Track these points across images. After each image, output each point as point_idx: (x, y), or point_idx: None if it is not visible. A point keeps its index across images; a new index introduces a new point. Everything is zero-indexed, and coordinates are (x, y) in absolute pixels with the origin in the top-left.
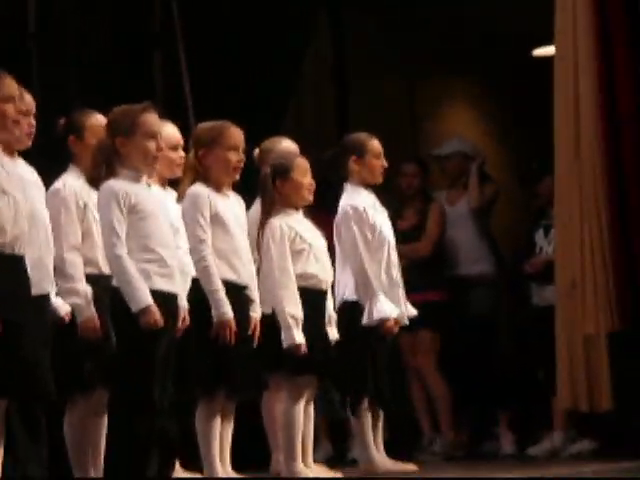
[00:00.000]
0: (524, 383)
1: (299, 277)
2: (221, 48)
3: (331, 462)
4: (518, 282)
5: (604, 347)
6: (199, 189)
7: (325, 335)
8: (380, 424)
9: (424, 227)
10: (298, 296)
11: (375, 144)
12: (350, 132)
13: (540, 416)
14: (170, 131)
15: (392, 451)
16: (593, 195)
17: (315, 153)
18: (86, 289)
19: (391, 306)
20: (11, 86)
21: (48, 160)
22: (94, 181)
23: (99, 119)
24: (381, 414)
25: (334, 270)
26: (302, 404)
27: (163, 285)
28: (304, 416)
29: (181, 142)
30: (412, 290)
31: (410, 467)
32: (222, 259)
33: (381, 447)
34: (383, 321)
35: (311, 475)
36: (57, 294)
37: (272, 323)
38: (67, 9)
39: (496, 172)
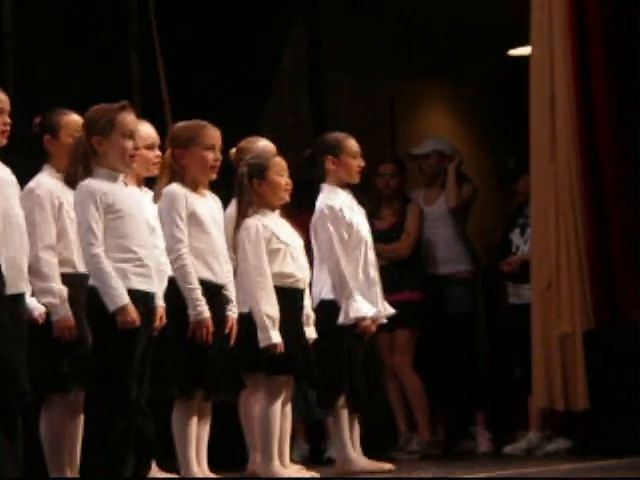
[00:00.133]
0: (500, 382)
1: (276, 276)
2: (198, 48)
3: (308, 462)
4: (494, 281)
5: (580, 346)
6: (175, 188)
7: (302, 334)
8: (357, 423)
9: (402, 227)
10: (274, 296)
11: (351, 144)
12: (327, 132)
13: (516, 415)
14: (146, 130)
15: (368, 450)
16: (569, 195)
17: (292, 153)
18: (61, 288)
19: (367, 305)
20: None
21: (24, 159)
22: (71, 180)
23: (75, 118)
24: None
25: (312, 270)
26: (279, 404)
27: (140, 284)
28: (281, 416)
29: (157, 141)
30: (390, 289)
31: (386, 466)
32: (199, 258)
33: (358, 446)
34: (359, 320)
35: (287, 475)
36: (32, 293)
37: (249, 323)
38: (43, 8)
39: (473, 172)
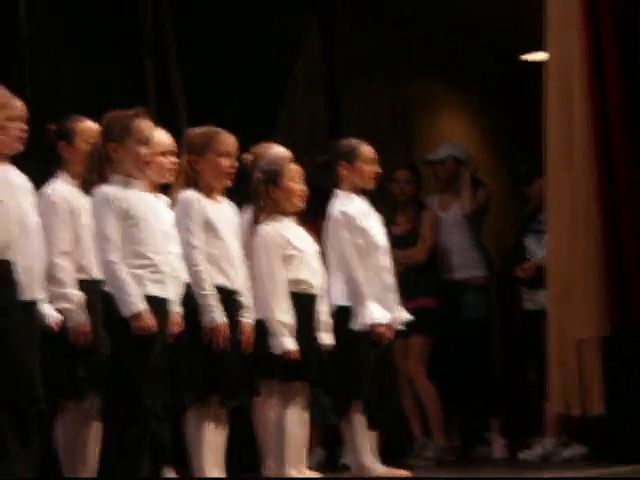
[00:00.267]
0: (515, 388)
1: (290, 283)
2: (213, 54)
3: (323, 468)
4: (509, 286)
5: (596, 351)
6: (190, 195)
7: (316, 341)
8: (372, 429)
9: (418, 233)
10: (288, 302)
11: (366, 149)
12: (342, 138)
13: (531, 421)
14: (161, 137)
15: (384, 456)
16: (584, 200)
17: (307, 159)
18: (77, 294)
19: (381, 311)
20: None
21: (39, 165)
22: (87, 186)
23: (89, 125)
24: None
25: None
26: (293, 410)
27: (155, 290)
28: (299, 422)
29: (172, 148)
30: (406, 295)
31: (402, 472)
32: (214, 264)
33: (373, 452)
34: (373, 327)
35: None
36: (48, 299)
37: (264, 329)
38: (58, 15)
39: (487, 177)
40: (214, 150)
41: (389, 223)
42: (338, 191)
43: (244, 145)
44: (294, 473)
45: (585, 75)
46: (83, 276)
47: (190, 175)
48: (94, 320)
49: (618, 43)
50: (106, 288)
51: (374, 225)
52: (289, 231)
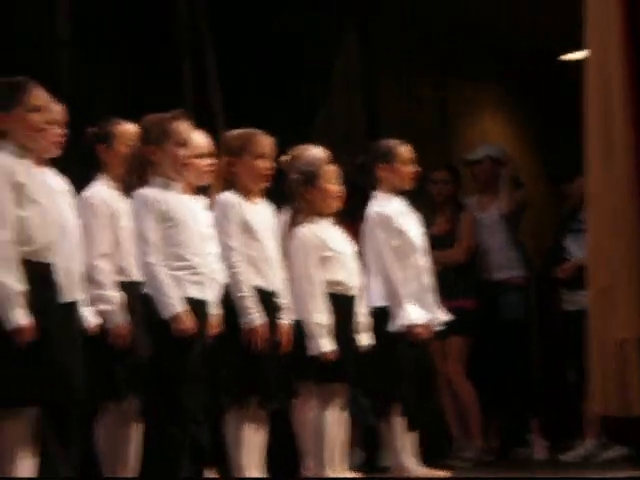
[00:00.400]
0: (555, 389)
1: (327, 284)
2: (250, 56)
3: (363, 469)
4: (547, 286)
5: (636, 351)
6: (229, 197)
7: (354, 341)
8: (412, 430)
9: (456, 234)
10: (325, 304)
11: (404, 150)
12: (380, 139)
13: (572, 422)
14: (198, 139)
15: (423, 457)
16: (625, 199)
17: (345, 160)
18: (116, 296)
19: (418, 312)
20: (38, 96)
21: (79, 169)
22: (126, 189)
23: (128, 128)
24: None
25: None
26: (332, 411)
27: (195, 292)
28: (338, 423)
29: (210, 150)
30: (445, 296)
31: (441, 473)
32: (251, 266)
33: (413, 453)
34: (410, 328)
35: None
36: (88, 301)
37: (301, 330)
38: (98, 19)
39: (525, 177)
40: (251, 152)
41: (427, 223)
42: (376, 192)
43: (281, 147)
44: (333, 474)
45: (625, 73)
46: (122, 278)
47: (227, 177)
48: (133, 322)
49: None
50: (146, 290)
51: (412, 226)
52: (326, 232)
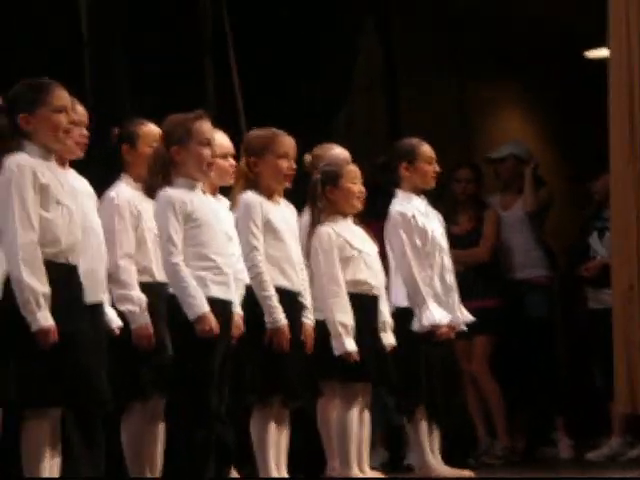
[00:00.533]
0: (581, 387)
1: (350, 284)
2: (272, 55)
3: (387, 468)
4: (573, 286)
5: None
6: (251, 197)
7: (378, 341)
8: (436, 430)
9: (479, 233)
10: (348, 303)
11: (426, 149)
12: (402, 138)
13: (598, 421)
14: (220, 139)
15: (448, 457)
16: None
17: (367, 160)
18: (140, 296)
19: (441, 312)
20: (62, 97)
21: (102, 169)
22: (150, 190)
23: (152, 128)
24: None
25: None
26: (356, 410)
27: (219, 292)
28: (360, 422)
29: (232, 150)
30: (468, 295)
31: (466, 473)
32: (274, 266)
33: (437, 453)
34: (434, 328)
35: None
36: (112, 301)
37: (325, 330)
38: (119, 20)
39: (549, 176)
40: (273, 152)
41: (450, 223)
42: (398, 191)
43: (303, 146)
44: (358, 473)
45: None
46: (146, 278)
47: (249, 177)
48: (157, 322)
49: None
50: (170, 290)
51: (434, 225)
52: (348, 232)
